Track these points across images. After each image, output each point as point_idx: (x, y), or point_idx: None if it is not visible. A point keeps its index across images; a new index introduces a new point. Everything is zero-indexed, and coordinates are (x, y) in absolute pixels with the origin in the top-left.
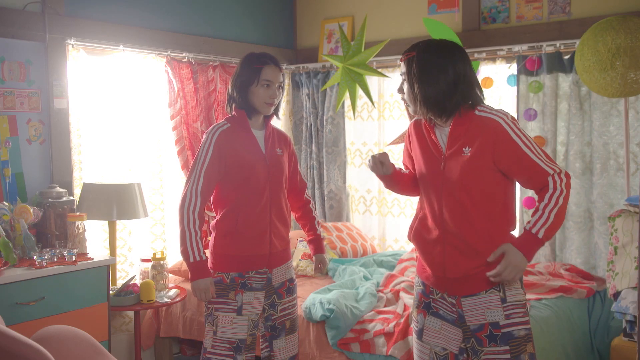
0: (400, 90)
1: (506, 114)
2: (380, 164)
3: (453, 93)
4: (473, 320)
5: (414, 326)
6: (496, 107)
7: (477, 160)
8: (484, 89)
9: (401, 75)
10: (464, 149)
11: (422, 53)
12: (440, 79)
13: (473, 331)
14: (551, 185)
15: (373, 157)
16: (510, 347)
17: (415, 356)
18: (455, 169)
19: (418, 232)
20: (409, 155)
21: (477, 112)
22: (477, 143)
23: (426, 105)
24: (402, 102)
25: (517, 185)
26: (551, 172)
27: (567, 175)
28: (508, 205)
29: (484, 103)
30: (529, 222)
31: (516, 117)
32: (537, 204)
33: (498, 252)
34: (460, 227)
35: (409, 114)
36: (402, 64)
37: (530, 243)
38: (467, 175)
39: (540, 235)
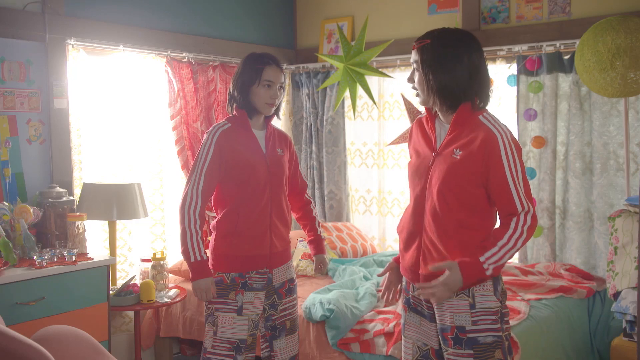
0: (411, 79)
1: (507, 132)
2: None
3: (468, 84)
4: (442, 320)
5: (401, 321)
6: (501, 121)
7: (464, 166)
8: None
9: (413, 63)
10: (455, 150)
11: (437, 41)
12: (457, 68)
13: (440, 330)
14: (512, 225)
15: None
16: (474, 351)
17: (402, 351)
18: (442, 167)
19: (402, 224)
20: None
21: (480, 118)
22: (469, 149)
23: (441, 95)
24: (413, 90)
25: None
26: (520, 209)
27: (533, 218)
28: (487, 219)
29: (487, 108)
30: (483, 253)
31: (516, 117)
32: (496, 236)
33: (443, 265)
34: (436, 227)
35: (409, 114)
36: (414, 52)
37: (475, 272)
38: (451, 176)
39: (488, 272)
